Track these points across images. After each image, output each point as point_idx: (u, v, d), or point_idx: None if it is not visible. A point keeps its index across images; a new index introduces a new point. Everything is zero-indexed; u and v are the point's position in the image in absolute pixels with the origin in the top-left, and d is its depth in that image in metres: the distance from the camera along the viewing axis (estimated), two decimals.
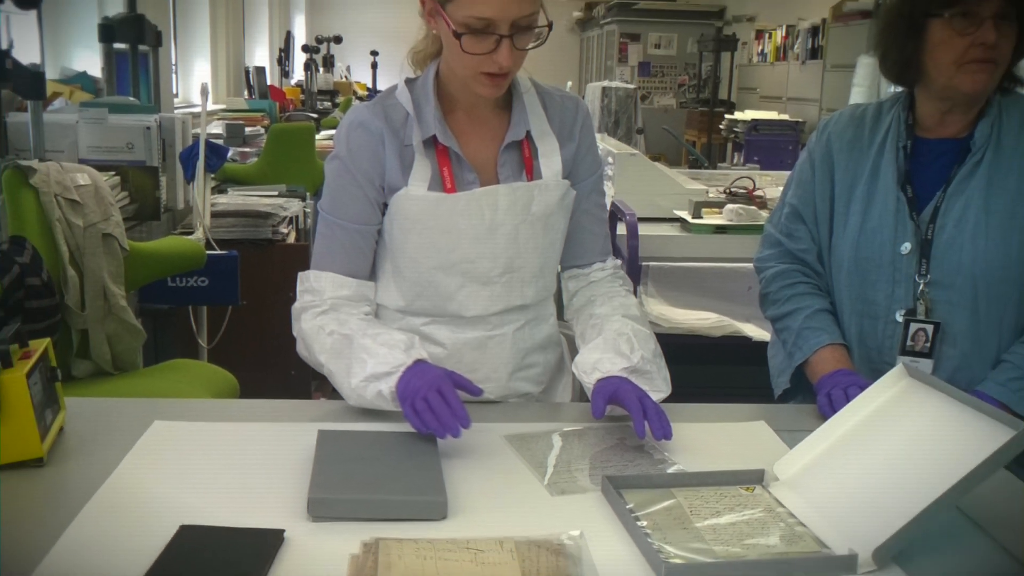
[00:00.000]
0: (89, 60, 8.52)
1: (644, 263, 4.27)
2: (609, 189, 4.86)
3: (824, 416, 2.09)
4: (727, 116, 12.43)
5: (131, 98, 6.09)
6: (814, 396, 2.34)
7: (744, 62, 16.04)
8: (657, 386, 2.14)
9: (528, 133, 2.29)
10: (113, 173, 4.43)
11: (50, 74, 6.83)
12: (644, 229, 4.32)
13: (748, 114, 12.13)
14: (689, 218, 4.67)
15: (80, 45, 9.11)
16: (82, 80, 6.74)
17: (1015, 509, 1.80)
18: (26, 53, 8.26)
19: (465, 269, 2.25)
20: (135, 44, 6.34)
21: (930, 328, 2.35)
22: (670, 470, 1.92)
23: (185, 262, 4.08)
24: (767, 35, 15.18)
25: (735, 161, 10.90)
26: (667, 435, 1.97)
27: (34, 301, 3.30)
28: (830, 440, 1.86)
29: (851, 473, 1.77)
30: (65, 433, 1.98)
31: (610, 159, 5.18)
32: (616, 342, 2.18)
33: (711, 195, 5.01)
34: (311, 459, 1.85)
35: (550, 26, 2.12)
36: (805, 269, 2.55)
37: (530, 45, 2.12)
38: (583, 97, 7.81)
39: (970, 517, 1.72)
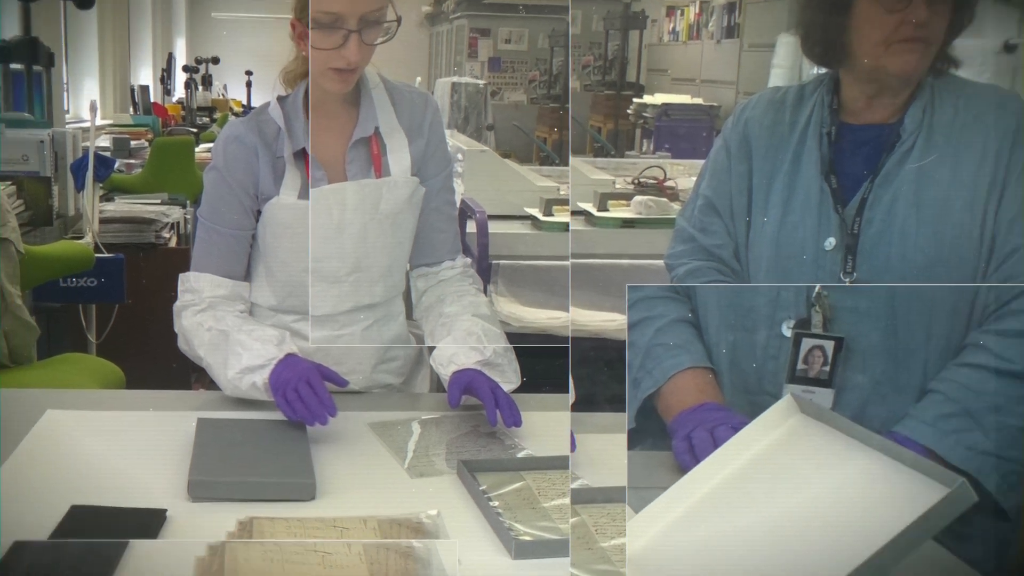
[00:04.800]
0: None
1: (494, 261, 4.09)
2: (459, 186, 4.62)
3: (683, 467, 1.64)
4: (635, 100, 10.94)
5: (26, 114, 5.99)
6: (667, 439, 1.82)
7: (654, 41, 14.38)
8: (508, 377, 2.12)
9: (376, 129, 2.21)
10: (9, 183, 4.35)
11: None
12: (494, 227, 4.08)
13: (658, 98, 10.59)
14: (541, 216, 4.30)
15: None
16: None
17: None
18: None
19: (313, 268, 2.18)
20: (30, 64, 6.23)
21: (829, 345, 1.77)
22: (520, 455, 1.91)
23: (76, 264, 4.01)
24: (679, 12, 13.13)
25: (644, 149, 9.57)
26: (517, 423, 1.96)
27: None
28: (691, 500, 1.38)
29: (721, 547, 1.30)
30: None
31: (459, 156, 4.83)
32: (466, 342, 2.14)
33: (618, 186, 4.53)
34: (192, 444, 1.83)
35: (399, 21, 2.05)
36: (720, 267, 2.08)
37: (378, 40, 2.05)
38: (432, 93, 7.72)
39: None
